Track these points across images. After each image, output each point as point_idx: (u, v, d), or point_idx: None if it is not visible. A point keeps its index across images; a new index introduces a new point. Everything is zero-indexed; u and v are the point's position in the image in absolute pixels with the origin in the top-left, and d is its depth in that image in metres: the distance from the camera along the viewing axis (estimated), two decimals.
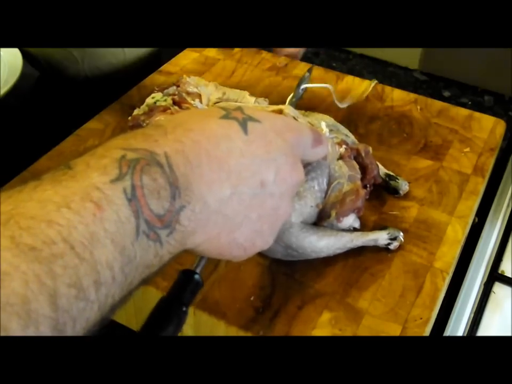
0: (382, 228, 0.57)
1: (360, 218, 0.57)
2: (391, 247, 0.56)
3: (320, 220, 0.54)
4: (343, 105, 0.62)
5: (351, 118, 0.72)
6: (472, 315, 0.58)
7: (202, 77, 0.65)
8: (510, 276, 0.61)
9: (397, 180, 0.62)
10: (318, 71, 0.80)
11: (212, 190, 0.35)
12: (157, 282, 0.51)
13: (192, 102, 0.58)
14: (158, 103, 0.59)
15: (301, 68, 0.76)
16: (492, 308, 0.58)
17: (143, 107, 0.59)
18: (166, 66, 0.79)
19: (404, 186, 0.62)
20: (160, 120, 0.38)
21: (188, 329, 0.54)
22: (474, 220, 0.63)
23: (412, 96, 0.76)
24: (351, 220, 0.55)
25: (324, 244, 0.53)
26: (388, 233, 0.56)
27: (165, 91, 0.60)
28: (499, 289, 0.60)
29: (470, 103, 0.87)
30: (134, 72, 0.82)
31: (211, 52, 0.81)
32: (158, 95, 0.60)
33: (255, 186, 0.37)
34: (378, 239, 0.56)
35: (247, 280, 0.54)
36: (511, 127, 0.77)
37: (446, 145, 0.69)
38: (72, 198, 0.29)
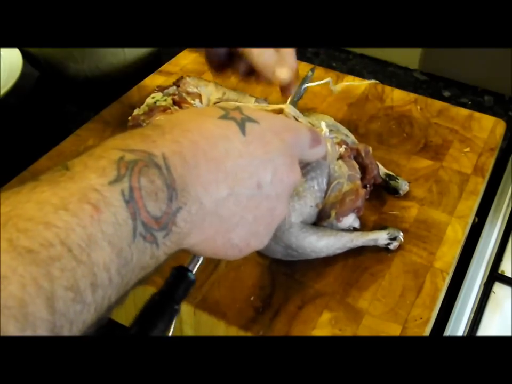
0: (382, 227, 0.57)
1: (360, 218, 0.57)
2: (391, 247, 0.56)
3: (320, 220, 0.54)
4: (336, 89, 0.61)
5: (351, 118, 0.72)
6: (472, 315, 0.58)
7: (202, 77, 0.64)
8: (510, 275, 0.61)
9: (397, 180, 0.62)
10: (318, 71, 0.79)
11: (208, 191, 0.35)
12: (156, 282, 0.51)
13: (192, 102, 0.58)
14: (158, 103, 0.59)
15: (301, 67, 0.76)
16: (492, 308, 0.58)
17: (143, 107, 0.59)
18: (166, 66, 0.79)
19: (403, 186, 0.62)
20: (158, 120, 0.38)
21: (188, 329, 0.54)
22: (474, 220, 0.63)
23: (412, 96, 0.76)
24: (350, 220, 0.55)
25: (323, 243, 0.53)
26: (388, 233, 0.56)
27: (165, 91, 0.60)
28: (499, 289, 0.60)
29: (470, 103, 0.87)
30: (134, 72, 0.82)
31: None
32: (158, 95, 0.60)
33: (252, 187, 0.37)
34: (378, 239, 0.56)
35: (247, 280, 0.54)
36: (511, 127, 0.77)
37: (446, 145, 0.69)
38: (70, 199, 0.28)
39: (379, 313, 0.52)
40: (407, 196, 0.62)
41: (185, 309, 0.52)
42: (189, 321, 0.53)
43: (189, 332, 0.54)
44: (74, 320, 0.27)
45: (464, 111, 0.74)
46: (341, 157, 0.56)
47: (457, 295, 0.59)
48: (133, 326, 0.36)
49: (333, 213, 0.54)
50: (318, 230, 0.53)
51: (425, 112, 0.74)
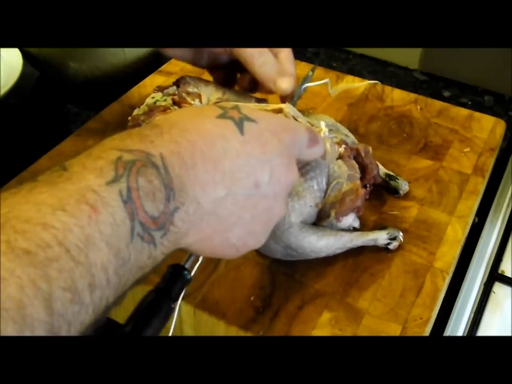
0: (381, 227, 0.57)
1: (360, 218, 0.57)
2: (391, 247, 0.56)
3: (320, 220, 0.54)
4: (334, 92, 0.62)
5: (351, 118, 0.73)
6: (472, 315, 0.58)
7: (202, 77, 0.64)
8: (510, 275, 0.61)
9: (397, 180, 0.62)
10: (318, 71, 0.79)
11: (206, 191, 0.35)
12: (154, 282, 0.51)
13: (192, 102, 0.58)
14: (158, 103, 0.59)
15: (301, 67, 0.76)
16: (492, 308, 0.58)
17: (143, 107, 0.59)
18: (166, 66, 0.79)
19: (403, 186, 0.62)
20: (156, 120, 0.38)
21: (187, 329, 0.54)
22: (474, 220, 0.63)
23: (412, 96, 0.76)
24: (350, 220, 0.55)
25: (323, 243, 0.53)
26: (388, 233, 0.56)
27: (165, 91, 0.60)
28: (499, 289, 0.60)
29: (470, 103, 0.87)
30: (134, 72, 0.82)
31: None
32: (158, 95, 0.60)
33: (250, 187, 0.37)
34: (378, 239, 0.56)
35: (247, 280, 0.54)
36: (511, 127, 0.77)
37: (446, 145, 0.69)
38: (67, 200, 0.28)
39: (379, 313, 0.52)
40: (407, 196, 0.62)
41: (185, 309, 0.52)
42: (189, 321, 0.53)
43: (189, 332, 0.54)
44: (72, 321, 0.27)
45: (464, 111, 0.74)
46: (340, 157, 0.56)
47: (457, 295, 0.59)
48: (127, 323, 0.36)
49: (333, 213, 0.54)
50: (318, 230, 0.53)
51: (425, 112, 0.74)
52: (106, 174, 0.30)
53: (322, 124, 0.55)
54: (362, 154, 0.58)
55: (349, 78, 0.79)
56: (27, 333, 0.25)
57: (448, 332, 0.56)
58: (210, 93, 0.59)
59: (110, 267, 0.29)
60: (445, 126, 0.72)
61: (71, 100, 0.86)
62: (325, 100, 0.75)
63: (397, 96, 0.76)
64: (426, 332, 0.51)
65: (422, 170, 0.66)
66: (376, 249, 0.57)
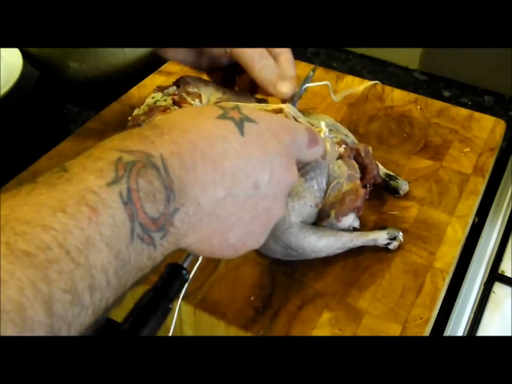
0: (381, 227, 0.57)
1: (360, 218, 0.57)
2: (391, 247, 0.56)
3: (320, 220, 0.54)
4: (338, 99, 0.62)
5: (351, 118, 0.73)
6: (472, 315, 0.58)
7: (202, 77, 0.64)
8: (510, 275, 0.61)
9: (397, 180, 0.62)
10: (318, 71, 0.79)
11: (206, 192, 0.35)
12: (153, 281, 0.51)
13: (192, 102, 0.58)
14: (158, 103, 0.59)
15: (301, 67, 0.76)
16: (492, 308, 0.58)
17: (143, 107, 0.59)
18: (166, 66, 0.79)
19: (403, 186, 0.62)
20: (157, 120, 0.38)
21: (187, 329, 0.54)
22: (474, 220, 0.63)
23: (412, 96, 0.76)
24: (350, 220, 0.55)
25: (323, 243, 0.53)
26: (388, 233, 0.56)
27: (165, 91, 0.60)
28: (499, 289, 0.60)
29: (470, 103, 0.87)
30: (134, 72, 0.82)
31: None
32: (158, 95, 0.59)
33: (249, 188, 0.37)
34: (377, 239, 0.56)
35: (247, 280, 0.54)
36: (511, 127, 0.77)
37: (446, 145, 0.69)
38: (67, 202, 0.28)
39: (379, 313, 0.52)
40: (407, 196, 0.62)
41: (185, 309, 0.52)
42: (189, 321, 0.53)
43: (189, 332, 0.54)
44: (72, 322, 0.27)
45: (464, 111, 0.74)
46: (340, 157, 0.56)
47: (457, 295, 0.59)
48: (125, 322, 0.36)
49: (333, 213, 0.54)
50: (318, 230, 0.53)
51: (425, 112, 0.74)
52: (106, 175, 0.30)
53: (323, 124, 0.55)
54: (362, 154, 0.58)
55: (349, 78, 0.79)
56: (27, 335, 0.25)
57: (448, 332, 0.56)
58: (210, 93, 0.59)
59: (110, 268, 0.29)
60: (445, 126, 0.72)
61: (71, 100, 0.86)
62: (325, 100, 0.75)
63: (397, 96, 0.76)
64: (426, 332, 0.51)
65: (422, 170, 0.66)
66: (376, 249, 0.57)
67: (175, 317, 0.42)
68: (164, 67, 0.79)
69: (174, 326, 0.42)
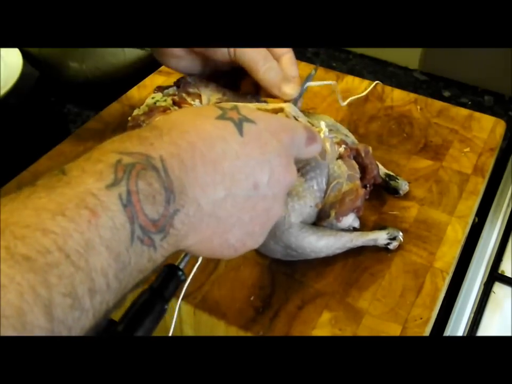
0: (381, 227, 0.57)
1: (360, 218, 0.57)
2: (391, 247, 0.56)
3: (320, 220, 0.54)
4: (344, 103, 0.62)
5: (351, 118, 0.73)
6: (472, 315, 0.58)
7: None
8: (510, 275, 0.61)
9: (397, 180, 0.62)
10: (318, 71, 0.79)
11: (206, 193, 0.35)
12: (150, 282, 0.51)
13: (192, 102, 0.58)
14: (158, 104, 0.59)
15: (301, 67, 0.76)
16: (492, 308, 0.58)
17: (143, 107, 0.59)
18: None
19: (403, 186, 0.62)
20: (156, 121, 0.38)
21: (187, 329, 0.54)
22: (474, 220, 0.63)
23: (412, 96, 0.76)
24: (350, 220, 0.55)
25: (323, 243, 0.53)
26: (388, 233, 0.56)
27: (165, 91, 0.60)
28: (499, 289, 0.60)
29: (470, 103, 0.87)
30: (134, 72, 0.82)
31: None
32: (158, 96, 0.59)
33: (249, 188, 0.37)
34: (377, 239, 0.56)
35: (247, 280, 0.54)
36: (511, 127, 0.77)
37: (446, 145, 0.69)
38: (67, 205, 0.28)
39: (379, 313, 0.52)
40: (407, 196, 0.62)
41: (185, 309, 0.52)
42: (189, 321, 0.53)
43: (189, 332, 0.54)
44: (72, 326, 0.27)
45: (464, 111, 0.74)
46: (340, 157, 0.56)
47: (457, 295, 0.59)
48: (120, 323, 0.36)
49: (333, 213, 0.54)
50: (318, 230, 0.53)
51: (425, 112, 0.74)
52: (106, 177, 0.30)
53: (323, 124, 0.55)
54: (362, 155, 0.58)
55: (349, 78, 0.79)
56: None
57: (448, 332, 0.56)
58: (210, 94, 0.59)
59: (110, 271, 0.29)
60: (445, 126, 0.72)
61: (71, 100, 0.86)
62: (325, 100, 0.75)
63: (397, 96, 0.76)
64: (426, 332, 0.51)
65: (422, 170, 0.66)
66: (376, 249, 0.57)
67: (175, 317, 0.42)
68: (164, 67, 0.79)
69: (174, 326, 0.42)
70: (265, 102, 0.60)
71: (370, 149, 0.59)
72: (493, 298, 0.59)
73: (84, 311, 0.27)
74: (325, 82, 0.60)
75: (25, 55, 0.80)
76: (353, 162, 0.57)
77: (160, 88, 0.60)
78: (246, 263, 0.55)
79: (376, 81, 0.69)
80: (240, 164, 0.37)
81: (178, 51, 0.56)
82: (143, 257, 0.31)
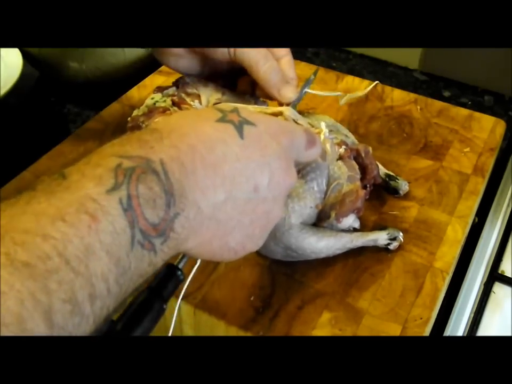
0: (381, 228, 0.57)
1: (360, 218, 0.57)
2: (391, 247, 0.56)
3: (320, 221, 0.54)
4: (342, 102, 0.62)
5: (351, 118, 0.72)
6: (472, 315, 0.58)
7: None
8: (510, 275, 0.61)
9: (397, 180, 0.62)
10: (318, 71, 0.79)
11: (206, 196, 0.35)
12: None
13: (191, 103, 0.58)
14: (157, 104, 0.58)
15: (301, 67, 0.76)
16: (492, 308, 0.58)
17: (143, 108, 0.59)
18: (166, 67, 0.79)
19: (403, 186, 0.62)
20: (156, 123, 0.37)
21: (187, 329, 0.54)
22: (474, 220, 0.63)
23: (412, 96, 0.76)
24: (350, 221, 0.55)
25: (323, 244, 0.53)
26: (388, 234, 0.56)
27: (164, 92, 0.60)
28: (499, 289, 0.60)
29: (470, 103, 0.87)
30: (134, 72, 0.82)
31: None
32: (157, 96, 0.59)
33: (249, 191, 0.37)
34: (378, 239, 0.56)
35: (247, 280, 0.54)
36: (511, 127, 0.77)
37: (446, 145, 0.69)
38: (67, 210, 0.28)
39: (379, 313, 0.52)
40: (407, 196, 0.62)
41: (185, 309, 0.52)
42: (189, 321, 0.53)
43: (189, 332, 0.54)
44: (73, 332, 0.27)
45: (464, 111, 0.74)
46: (340, 158, 0.56)
47: (457, 295, 0.59)
48: (118, 322, 0.36)
49: (333, 214, 0.54)
50: (318, 231, 0.53)
51: (425, 112, 0.74)
52: (106, 182, 0.30)
53: (323, 125, 0.55)
54: (363, 155, 0.58)
55: (349, 78, 0.79)
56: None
57: (448, 332, 0.56)
58: (209, 94, 0.59)
59: (111, 276, 0.29)
60: (445, 126, 0.72)
61: (71, 100, 0.86)
62: (325, 100, 0.75)
63: (397, 96, 0.76)
64: (426, 332, 0.51)
65: (422, 170, 0.66)
66: (376, 250, 0.56)
67: (175, 317, 0.42)
68: (164, 67, 0.79)
69: (174, 326, 0.42)
70: (264, 102, 0.60)
71: (370, 149, 0.59)
72: (493, 298, 0.59)
73: (84, 317, 0.27)
74: (333, 93, 0.60)
75: (25, 55, 0.80)
76: (354, 163, 0.57)
77: (159, 89, 0.60)
78: (246, 263, 0.55)
79: (376, 81, 0.69)
80: (241, 167, 0.37)
81: (177, 50, 0.56)
82: (144, 261, 0.31)
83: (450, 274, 0.56)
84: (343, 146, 0.57)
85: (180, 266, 0.40)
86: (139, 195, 0.31)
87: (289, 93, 0.54)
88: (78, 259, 0.27)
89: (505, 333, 0.56)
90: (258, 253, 0.55)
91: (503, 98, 0.88)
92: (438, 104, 0.75)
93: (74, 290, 0.27)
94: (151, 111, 0.57)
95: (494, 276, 0.61)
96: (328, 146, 0.54)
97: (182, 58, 0.58)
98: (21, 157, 0.71)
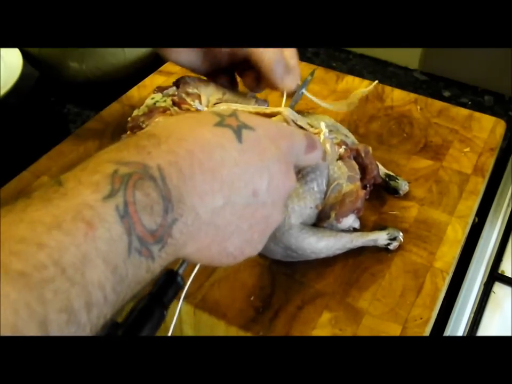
0: (381, 228, 0.57)
1: (360, 218, 0.57)
2: (391, 247, 0.56)
3: (320, 221, 0.54)
4: (351, 107, 0.62)
5: (351, 118, 0.73)
6: (472, 315, 0.58)
7: (202, 77, 0.64)
8: (510, 275, 0.61)
9: (397, 180, 0.62)
10: (318, 71, 0.79)
11: (204, 201, 0.34)
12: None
13: (191, 102, 0.58)
14: (157, 104, 0.58)
15: (301, 67, 0.76)
16: (492, 308, 0.58)
17: (143, 108, 0.59)
18: (166, 66, 0.79)
19: (403, 186, 0.62)
20: (153, 128, 0.37)
21: (188, 329, 0.54)
22: (474, 220, 0.63)
23: (412, 96, 0.76)
24: (350, 221, 0.55)
25: (323, 244, 0.53)
26: (388, 234, 0.56)
27: (165, 92, 0.60)
28: (499, 289, 0.60)
29: (470, 103, 0.87)
30: (134, 72, 0.82)
31: None
32: (157, 96, 0.59)
33: (248, 195, 0.37)
34: (378, 240, 0.56)
35: (247, 280, 0.54)
36: (511, 127, 0.77)
37: (446, 145, 0.69)
38: (63, 218, 0.28)
39: (379, 313, 0.52)
40: (407, 196, 0.62)
41: (185, 309, 0.52)
42: (189, 321, 0.53)
43: (189, 332, 0.54)
44: None
45: (464, 111, 0.74)
46: (340, 158, 0.56)
47: (457, 295, 0.59)
48: (119, 329, 0.36)
49: (333, 214, 0.54)
50: (318, 231, 0.53)
51: (425, 112, 0.74)
52: (102, 188, 0.30)
53: (323, 125, 0.55)
54: (362, 155, 0.58)
55: (349, 78, 0.79)
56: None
57: (448, 332, 0.56)
58: (210, 94, 0.59)
59: (108, 284, 0.29)
60: (445, 126, 0.72)
61: (71, 100, 0.86)
62: (325, 100, 0.74)
63: (397, 96, 0.76)
64: (426, 332, 0.51)
65: (422, 170, 0.66)
66: (376, 250, 0.57)
67: (175, 317, 0.42)
68: (164, 67, 0.79)
69: (174, 326, 0.42)
70: (265, 102, 0.60)
71: (370, 149, 0.59)
72: (493, 298, 0.59)
73: (80, 326, 0.27)
74: (326, 105, 0.60)
75: (25, 55, 0.80)
76: (353, 163, 0.57)
77: (159, 89, 0.60)
78: (246, 263, 0.55)
79: (376, 81, 0.69)
80: (239, 171, 0.36)
81: None
82: (141, 268, 0.31)
83: (450, 274, 0.56)
84: (343, 146, 0.57)
85: (180, 272, 0.40)
86: (136, 201, 0.30)
87: (290, 82, 0.54)
88: (74, 267, 0.27)
89: (505, 333, 0.56)
90: (258, 253, 0.55)
91: (503, 98, 0.88)
92: (438, 104, 0.75)
93: (70, 299, 0.27)
94: (151, 111, 0.57)
95: (494, 276, 0.61)
96: (328, 146, 0.54)
97: (183, 53, 0.57)
98: (21, 157, 0.71)
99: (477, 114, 0.73)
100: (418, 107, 0.74)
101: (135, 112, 0.59)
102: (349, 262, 0.56)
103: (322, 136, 0.54)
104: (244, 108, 0.56)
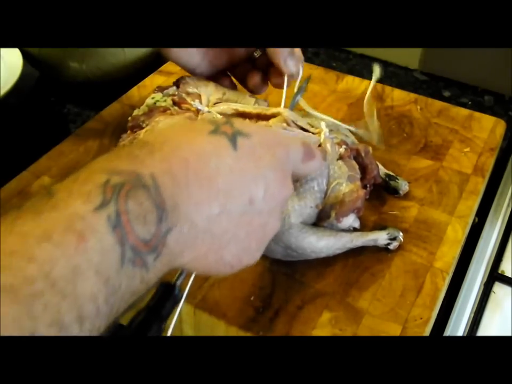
0: (381, 228, 0.57)
1: (360, 218, 0.57)
2: (391, 247, 0.56)
3: (320, 221, 0.54)
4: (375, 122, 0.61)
5: (351, 118, 0.72)
6: (472, 315, 0.58)
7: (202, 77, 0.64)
8: (510, 275, 0.61)
9: (397, 180, 0.62)
10: (318, 71, 0.80)
11: (200, 210, 0.34)
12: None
13: (192, 102, 0.58)
14: (157, 104, 0.59)
15: None
16: (492, 308, 0.58)
17: (143, 107, 0.59)
18: (166, 66, 0.79)
19: (403, 186, 0.62)
20: (147, 136, 0.36)
21: (188, 329, 0.54)
22: (474, 220, 0.63)
23: (412, 96, 0.76)
24: (350, 220, 0.55)
25: (323, 244, 0.53)
26: (388, 233, 0.56)
27: (165, 91, 0.60)
28: (499, 289, 0.60)
29: (470, 103, 0.87)
30: (134, 72, 0.82)
31: None
32: (157, 96, 0.59)
33: (244, 203, 0.37)
34: (378, 239, 0.56)
35: (247, 280, 0.54)
36: (511, 127, 0.77)
37: (446, 145, 0.69)
38: (53, 229, 0.27)
39: (379, 313, 0.52)
40: (407, 196, 0.62)
41: (185, 309, 0.52)
42: (189, 321, 0.53)
43: (189, 332, 0.54)
44: None
45: (464, 111, 0.74)
46: (340, 157, 0.56)
47: (457, 295, 0.59)
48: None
49: (333, 214, 0.54)
50: (318, 231, 0.53)
51: (425, 112, 0.74)
52: (94, 199, 0.29)
53: (323, 125, 0.55)
54: (363, 155, 0.58)
55: (349, 78, 0.79)
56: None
57: (448, 332, 0.56)
58: (210, 93, 0.59)
59: (100, 296, 0.28)
60: (445, 126, 0.72)
61: (71, 100, 0.86)
62: (325, 100, 0.75)
63: (397, 96, 0.76)
64: (426, 332, 0.51)
65: (422, 170, 0.66)
66: (376, 249, 0.56)
67: (175, 317, 0.42)
68: (164, 67, 0.79)
69: (174, 326, 0.42)
70: (265, 102, 0.60)
71: (370, 149, 0.59)
72: (493, 298, 0.59)
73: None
74: (323, 116, 0.59)
75: (25, 55, 0.80)
76: (354, 162, 0.57)
77: (160, 88, 0.60)
78: None
79: (375, 80, 0.69)
80: (235, 179, 0.36)
81: None
82: (135, 279, 0.30)
83: (450, 274, 0.56)
84: (343, 146, 0.57)
85: (178, 283, 0.40)
86: (128, 211, 0.30)
87: (293, 66, 0.55)
88: (65, 280, 0.26)
89: (505, 333, 0.56)
90: None
91: (503, 98, 0.88)
92: (438, 104, 0.75)
93: (61, 312, 0.26)
94: (152, 111, 0.57)
95: (494, 276, 0.61)
96: (328, 146, 0.54)
97: (183, 52, 0.57)
98: (21, 157, 0.71)
99: (477, 114, 0.73)
100: (418, 107, 0.74)
101: (136, 112, 0.59)
102: (349, 262, 0.56)
103: (322, 136, 0.54)
104: (244, 108, 0.56)
